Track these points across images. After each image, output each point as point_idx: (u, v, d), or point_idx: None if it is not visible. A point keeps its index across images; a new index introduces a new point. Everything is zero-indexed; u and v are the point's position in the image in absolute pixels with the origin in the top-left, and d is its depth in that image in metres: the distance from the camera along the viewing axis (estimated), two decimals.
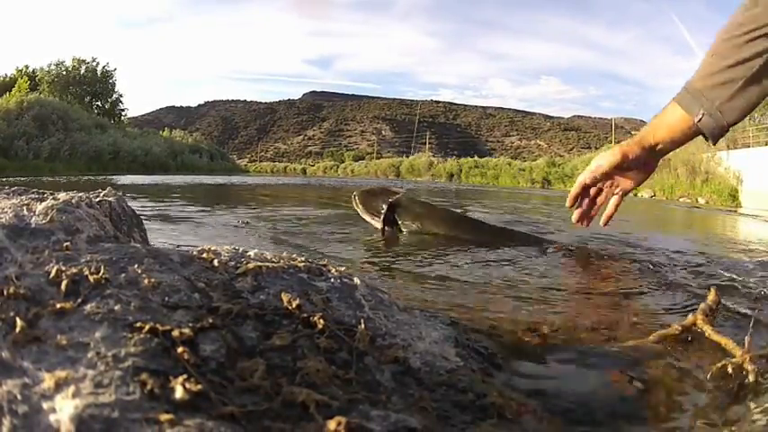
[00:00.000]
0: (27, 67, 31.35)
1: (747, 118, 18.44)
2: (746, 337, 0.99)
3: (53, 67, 31.26)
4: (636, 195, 17.32)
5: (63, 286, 0.64)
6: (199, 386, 0.52)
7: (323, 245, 2.53)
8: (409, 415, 0.60)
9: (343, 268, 0.92)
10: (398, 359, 0.72)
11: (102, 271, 0.68)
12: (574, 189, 1.67)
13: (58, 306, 0.60)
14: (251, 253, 0.89)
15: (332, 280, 0.86)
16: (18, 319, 0.56)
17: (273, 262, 0.86)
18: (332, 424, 0.53)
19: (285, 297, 0.75)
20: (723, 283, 1.87)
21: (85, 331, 0.57)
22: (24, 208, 0.86)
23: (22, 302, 0.60)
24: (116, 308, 0.62)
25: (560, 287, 1.78)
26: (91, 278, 0.66)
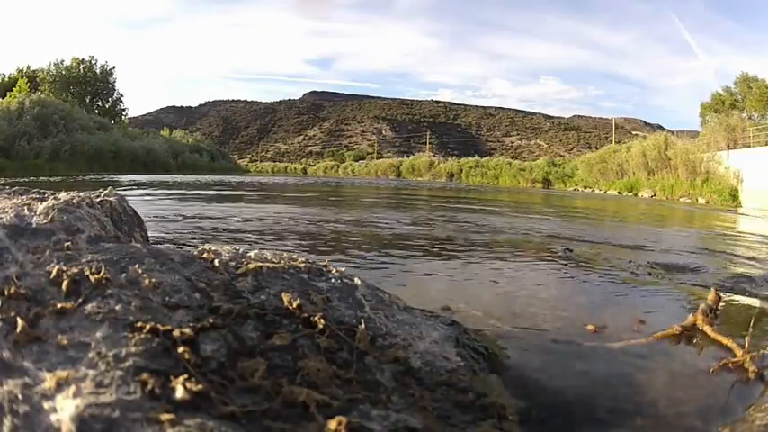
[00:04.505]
0: (29, 67, 31.38)
1: (747, 117, 17.98)
2: (747, 337, 0.99)
3: (53, 66, 31.25)
4: (636, 195, 17.29)
5: (64, 286, 0.64)
6: (199, 386, 0.52)
7: None
8: (410, 415, 0.60)
9: (343, 268, 0.92)
10: (399, 359, 0.72)
11: (102, 271, 0.68)
12: None
13: (59, 306, 0.60)
14: (251, 253, 0.89)
15: (332, 280, 0.86)
16: (19, 319, 0.56)
17: (274, 262, 0.86)
18: (332, 423, 0.53)
19: (286, 297, 0.75)
20: (723, 283, 1.87)
21: (86, 331, 0.57)
22: (25, 208, 0.86)
23: (23, 302, 0.60)
24: (117, 308, 0.62)
25: (562, 286, 1.78)
26: (92, 278, 0.66)
